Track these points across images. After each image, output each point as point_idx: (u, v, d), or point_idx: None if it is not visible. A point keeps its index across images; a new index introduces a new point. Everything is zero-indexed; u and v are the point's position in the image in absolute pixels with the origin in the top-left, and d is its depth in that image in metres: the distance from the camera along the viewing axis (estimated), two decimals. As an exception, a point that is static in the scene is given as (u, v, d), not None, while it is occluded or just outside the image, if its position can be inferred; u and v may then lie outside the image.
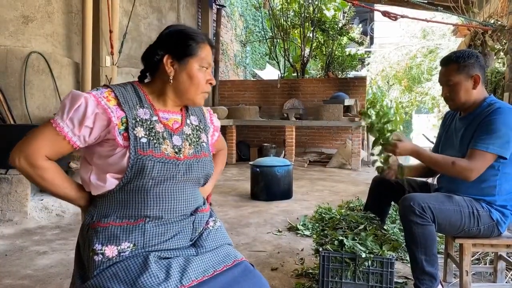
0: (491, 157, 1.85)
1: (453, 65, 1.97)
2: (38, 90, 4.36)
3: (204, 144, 1.38)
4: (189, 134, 1.34)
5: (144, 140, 1.22)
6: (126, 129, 1.21)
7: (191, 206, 1.31)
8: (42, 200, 3.70)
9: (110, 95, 1.23)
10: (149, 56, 1.32)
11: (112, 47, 5.18)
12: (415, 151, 1.97)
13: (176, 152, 1.27)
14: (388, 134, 1.96)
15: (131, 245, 1.18)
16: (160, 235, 1.22)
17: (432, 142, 2.36)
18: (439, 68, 2.09)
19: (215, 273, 1.19)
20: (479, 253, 2.62)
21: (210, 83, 1.35)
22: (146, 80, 1.37)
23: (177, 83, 1.30)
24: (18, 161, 1.20)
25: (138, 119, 1.24)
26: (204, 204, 1.39)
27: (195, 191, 1.34)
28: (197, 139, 1.36)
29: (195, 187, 1.34)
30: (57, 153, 1.22)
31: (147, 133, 1.24)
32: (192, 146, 1.33)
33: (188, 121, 1.37)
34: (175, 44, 1.29)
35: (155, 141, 1.24)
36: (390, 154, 2.00)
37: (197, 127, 1.40)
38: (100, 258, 1.15)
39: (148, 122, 1.25)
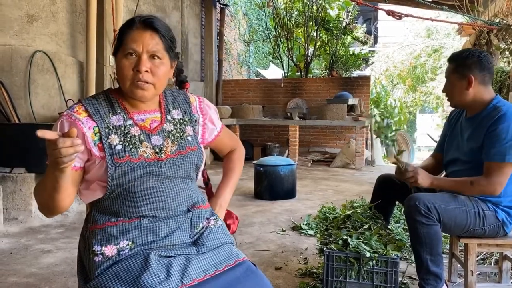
0: (510, 167, 1.83)
1: (451, 64, 2.02)
2: (42, 89, 4.37)
3: (189, 138, 1.32)
4: (171, 131, 1.29)
5: (119, 147, 1.19)
6: (100, 139, 1.19)
7: (185, 202, 1.28)
8: (46, 198, 3.72)
9: (80, 108, 1.21)
10: None
11: (116, 46, 5.19)
12: (435, 180, 1.97)
13: (157, 153, 1.23)
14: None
15: (130, 242, 1.17)
16: (157, 231, 1.20)
17: (436, 142, 2.34)
18: (444, 67, 2.12)
19: (217, 273, 1.18)
20: (484, 253, 2.60)
21: (138, 70, 1.18)
22: None
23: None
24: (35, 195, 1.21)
25: (111, 127, 1.21)
26: (203, 200, 1.36)
27: (189, 187, 1.31)
28: (180, 134, 1.31)
29: (187, 182, 1.30)
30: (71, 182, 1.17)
31: (122, 139, 1.20)
32: (176, 143, 1.28)
33: (168, 117, 1.31)
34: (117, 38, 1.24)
35: (131, 146, 1.20)
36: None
37: (181, 121, 1.33)
38: (100, 259, 1.15)
39: (123, 128, 1.22)
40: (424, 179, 1.94)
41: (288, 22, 9.92)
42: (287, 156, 7.22)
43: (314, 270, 2.44)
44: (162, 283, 1.07)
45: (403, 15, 4.19)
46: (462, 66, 1.95)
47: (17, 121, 3.89)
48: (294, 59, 10.04)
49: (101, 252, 1.16)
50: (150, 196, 1.21)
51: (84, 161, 1.21)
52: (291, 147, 7.48)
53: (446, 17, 10.95)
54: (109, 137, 1.19)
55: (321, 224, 3.29)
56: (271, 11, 10.42)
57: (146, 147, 1.22)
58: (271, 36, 11.08)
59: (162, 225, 1.22)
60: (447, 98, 2.10)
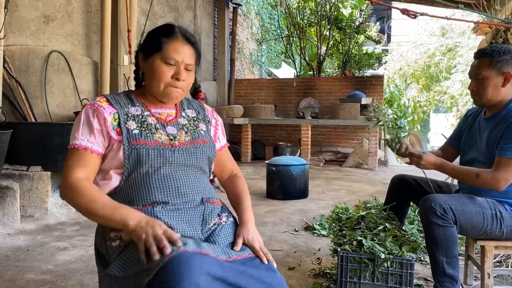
0: None
1: (486, 58, 1.90)
2: (58, 88, 4.44)
3: (202, 132, 1.40)
4: (185, 124, 1.38)
5: (136, 131, 1.28)
6: (119, 124, 1.29)
7: (198, 191, 1.31)
8: (62, 196, 3.77)
9: (102, 99, 1.33)
10: (136, 56, 1.41)
11: (130, 46, 5.23)
12: (439, 164, 1.95)
13: (171, 140, 1.31)
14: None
15: None
16: (169, 218, 1.22)
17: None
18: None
19: (230, 259, 1.17)
20: (500, 255, 2.56)
21: (177, 79, 1.31)
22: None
23: (146, 79, 1.36)
24: (64, 193, 1.23)
25: (129, 115, 1.31)
26: (216, 197, 1.40)
27: (201, 178, 1.36)
28: (194, 128, 1.40)
29: (199, 173, 1.35)
30: (91, 169, 1.27)
31: (139, 125, 1.30)
32: (189, 134, 1.37)
33: (183, 114, 1.41)
34: (147, 41, 1.36)
35: (147, 131, 1.30)
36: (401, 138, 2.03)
37: (194, 118, 1.43)
38: (117, 243, 1.18)
39: (140, 117, 1.32)
40: (428, 160, 1.94)
41: (301, 21, 9.89)
42: (299, 156, 7.20)
43: (328, 271, 2.43)
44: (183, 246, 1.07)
45: (418, 14, 4.13)
46: (499, 61, 1.86)
47: (33, 120, 3.95)
48: (307, 58, 10.00)
49: (117, 237, 1.18)
50: (164, 182, 1.27)
51: (105, 147, 1.29)
52: (303, 146, 7.45)
53: (461, 15, 10.79)
54: (127, 122, 1.30)
55: (334, 224, 3.28)
56: (283, 10, 10.40)
57: (161, 134, 1.32)
58: (283, 35, 11.06)
59: (175, 215, 1.24)
60: (474, 96, 1.98)
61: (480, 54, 1.95)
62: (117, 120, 1.29)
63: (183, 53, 1.31)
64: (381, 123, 2.05)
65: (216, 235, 1.27)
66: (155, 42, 1.31)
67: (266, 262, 1.22)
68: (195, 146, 1.35)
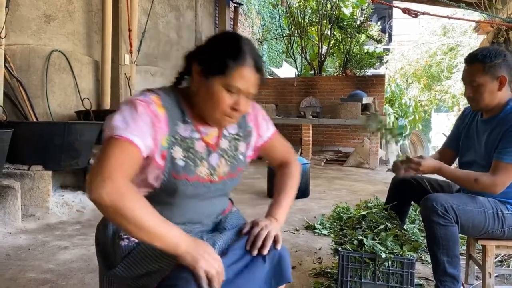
0: None
1: (478, 64, 1.86)
2: (59, 88, 4.44)
3: (240, 156, 1.30)
4: (225, 149, 1.25)
5: (180, 162, 1.14)
6: (167, 148, 1.13)
7: (217, 215, 1.32)
8: (63, 196, 3.77)
9: (158, 101, 1.13)
10: (188, 59, 1.20)
11: (131, 45, 5.24)
12: (438, 168, 1.94)
13: (210, 174, 1.21)
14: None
15: None
16: (183, 225, 1.23)
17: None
18: (461, 65, 2.04)
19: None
20: (502, 255, 2.56)
21: (235, 109, 1.14)
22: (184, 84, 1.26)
23: (198, 97, 1.16)
24: (110, 196, 0.97)
25: (177, 137, 1.15)
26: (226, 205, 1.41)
27: (223, 200, 1.34)
28: (234, 151, 1.27)
29: (223, 199, 1.35)
30: (135, 171, 1.09)
31: (185, 154, 1.15)
32: (228, 163, 1.25)
33: (225, 132, 1.27)
34: (210, 56, 1.13)
35: (191, 163, 1.16)
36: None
37: (235, 136, 1.29)
38: (126, 243, 1.17)
39: (188, 141, 1.17)
40: (427, 164, 1.92)
41: (302, 20, 9.88)
42: (300, 155, 7.20)
43: (329, 270, 2.43)
44: None
45: (419, 13, 4.13)
46: (492, 66, 1.83)
47: (34, 119, 3.96)
48: (308, 58, 9.99)
49: (126, 236, 1.17)
50: (188, 211, 1.23)
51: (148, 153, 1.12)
52: (304, 146, 7.45)
53: (463, 14, 10.76)
54: (174, 148, 1.14)
55: (335, 224, 3.27)
56: (284, 10, 10.39)
57: (204, 166, 1.19)
58: (284, 35, 11.05)
59: (189, 227, 1.25)
60: (470, 102, 1.97)
61: (472, 60, 1.90)
62: (168, 141, 1.12)
63: (249, 83, 1.13)
64: (378, 132, 2.05)
65: (222, 223, 1.30)
66: (220, 63, 1.10)
67: (247, 248, 1.19)
68: (231, 179, 1.26)
